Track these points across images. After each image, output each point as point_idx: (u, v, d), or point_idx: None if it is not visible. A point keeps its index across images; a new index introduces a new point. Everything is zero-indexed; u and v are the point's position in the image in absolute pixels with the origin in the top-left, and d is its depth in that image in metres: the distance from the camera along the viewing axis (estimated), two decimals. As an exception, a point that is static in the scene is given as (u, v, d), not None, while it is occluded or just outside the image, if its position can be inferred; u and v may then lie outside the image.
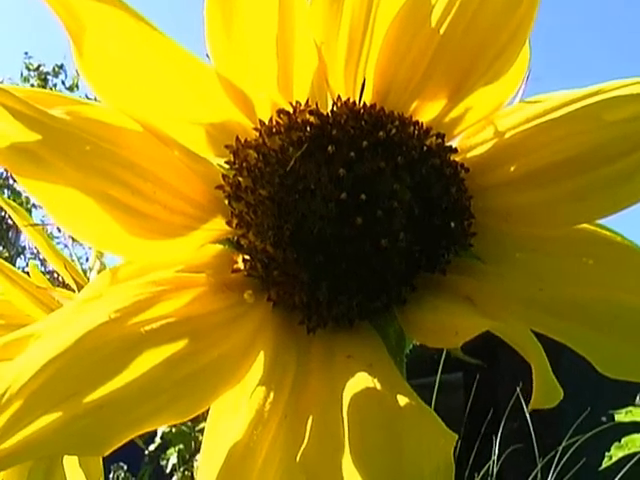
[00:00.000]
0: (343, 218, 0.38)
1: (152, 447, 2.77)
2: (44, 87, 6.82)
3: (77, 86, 6.99)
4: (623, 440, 2.31)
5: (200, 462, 0.34)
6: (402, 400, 0.34)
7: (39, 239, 0.56)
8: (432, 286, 0.41)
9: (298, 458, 0.32)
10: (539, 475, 2.41)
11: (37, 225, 0.57)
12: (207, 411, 0.36)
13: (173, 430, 2.51)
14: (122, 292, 0.35)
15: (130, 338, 0.33)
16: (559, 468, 2.48)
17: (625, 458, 2.31)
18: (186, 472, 2.89)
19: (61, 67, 7.38)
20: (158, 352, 0.33)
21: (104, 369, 0.31)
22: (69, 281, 0.58)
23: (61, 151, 0.33)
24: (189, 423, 2.47)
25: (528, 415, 2.49)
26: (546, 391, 0.31)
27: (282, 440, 0.34)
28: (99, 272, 0.58)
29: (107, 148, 0.35)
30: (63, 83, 7.33)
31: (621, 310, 0.39)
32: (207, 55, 0.42)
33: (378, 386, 0.34)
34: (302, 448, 0.33)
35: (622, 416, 2.35)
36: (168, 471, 2.68)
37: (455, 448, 0.31)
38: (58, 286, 0.58)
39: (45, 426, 0.29)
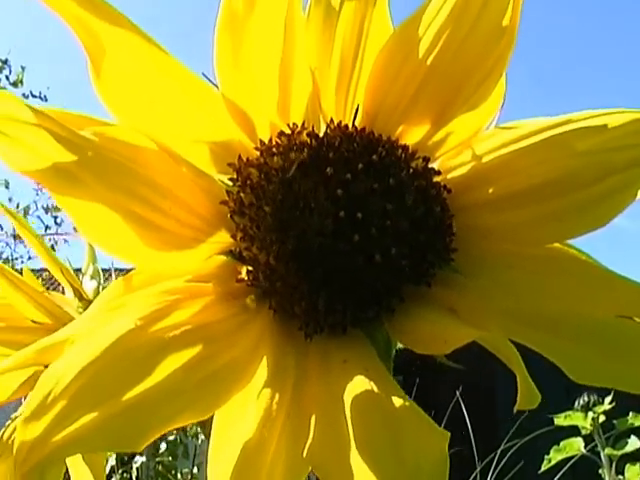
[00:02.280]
0: (340, 234, 0.42)
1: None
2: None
3: (22, 82, 6.90)
4: (562, 443, 2.38)
5: (211, 457, 0.37)
6: (397, 402, 0.37)
7: (37, 245, 0.59)
8: (418, 297, 0.44)
9: (305, 453, 0.36)
10: (478, 478, 2.46)
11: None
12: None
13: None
14: (142, 301, 0.38)
15: (154, 344, 0.36)
16: (497, 471, 2.54)
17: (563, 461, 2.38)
18: (125, 474, 2.89)
19: (5, 62, 7.28)
20: (178, 357, 0.36)
21: (134, 372, 0.34)
22: (65, 285, 0.60)
23: (94, 171, 0.36)
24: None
25: (467, 419, 2.56)
26: (528, 395, 0.35)
27: (286, 437, 0.37)
28: (91, 276, 0.61)
29: (131, 167, 0.38)
30: (7, 78, 7.23)
31: (588, 322, 0.43)
32: (203, 73, 0.46)
33: (375, 389, 0.38)
34: (308, 444, 0.36)
35: (561, 420, 2.42)
36: (107, 473, 2.68)
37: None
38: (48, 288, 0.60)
39: (86, 424, 0.32)
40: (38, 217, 6.67)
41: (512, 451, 2.64)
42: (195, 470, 3.09)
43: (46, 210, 6.66)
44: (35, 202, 6.68)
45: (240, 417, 0.38)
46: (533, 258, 0.45)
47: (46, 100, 6.80)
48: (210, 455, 0.38)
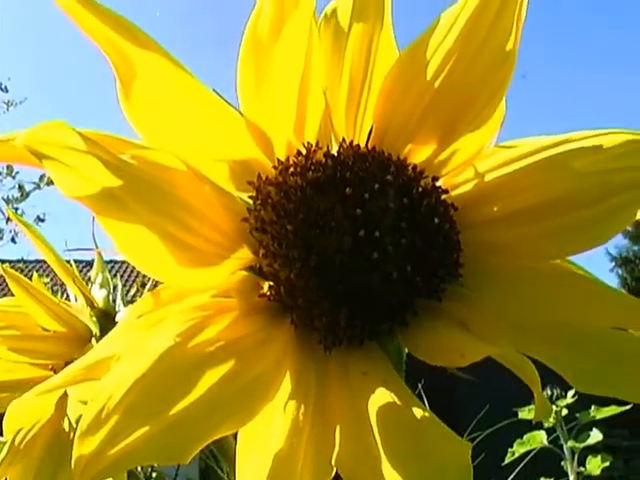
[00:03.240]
0: (360, 252, 0.44)
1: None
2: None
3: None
4: (525, 436, 2.42)
5: (240, 468, 0.39)
6: (418, 412, 0.40)
7: (49, 254, 0.60)
8: (429, 312, 0.47)
9: (333, 461, 0.38)
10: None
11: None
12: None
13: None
14: (177, 317, 0.40)
15: (193, 360, 0.38)
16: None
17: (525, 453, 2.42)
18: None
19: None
20: (215, 372, 0.38)
21: (179, 388, 0.36)
22: (76, 293, 0.62)
23: (136, 195, 0.38)
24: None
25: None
26: (543, 408, 0.38)
27: (313, 446, 0.40)
28: (101, 285, 0.62)
29: (167, 189, 0.40)
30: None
31: (587, 334, 0.46)
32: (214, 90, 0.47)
33: (396, 400, 0.40)
34: (336, 453, 0.38)
35: (525, 413, 2.45)
36: None
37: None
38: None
39: (138, 438, 0.34)
40: (-2, 208, 6.58)
41: (474, 444, 2.67)
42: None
43: (6, 201, 6.57)
44: (-5, 193, 6.58)
45: (266, 429, 0.40)
46: (535, 273, 0.48)
47: (7, 91, 6.72)
48: (239, 466, 0.40)
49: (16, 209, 6.54)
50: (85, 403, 0.48)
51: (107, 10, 0.42)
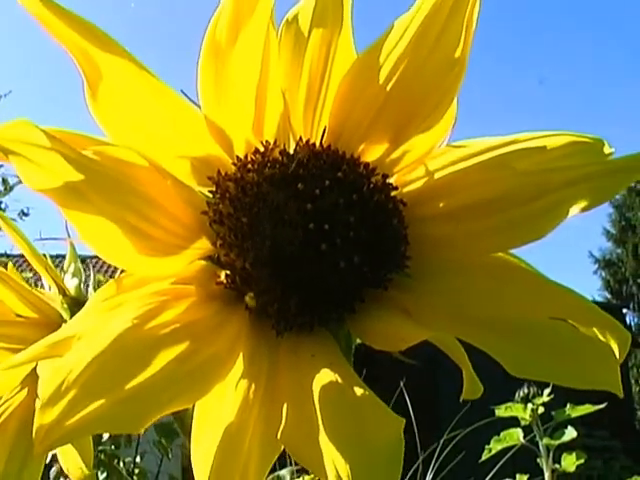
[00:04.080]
0: (310, 243, 0.47)
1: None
2: None
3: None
4: (502, 434, 2.45)
5: (194, 439, 0.43)
6: (359, 391, 0.43)
7: (23, 244, 0.63)
8: (376, 300, 0.50)
9: (279, 435, 0.41)
10: (420, 468, 2.53)
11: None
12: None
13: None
14: (136, 301, 0.43)
15: (149, 340, 0.41)
16: (439, 461, 2.60)
17: (503, 451, 2.46)
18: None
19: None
20: (170, 351, 0.41)
21: (134, 365, 0.40)
22: (49, 282, 0.65)
23: (98, 188, 0.41)
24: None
25: (412, 410, 2.62)
26: (472, 387, 0.41)
27: (261, 421, 0.43)
28: (73, 274, 0.65)
29: (127, 183, 0.43)
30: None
31: (524, 323, 0.49)
32: (182, 91, 0.50)
33: (340, 380, 0.44)
34: (281, 428, 0.42)
35: (502, 411, 2.49)
36: (48, 461, 2.69)
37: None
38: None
39: (95, 410, 0.37)
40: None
41: (454, 442, 2.71)
42: (138, 459, 3.08)
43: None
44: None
45: (218, 405, 0.44)
46: (478, 266, 0.51)
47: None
48: (193, 437, 0.43)
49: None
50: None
51: (72, 14, 0.45)
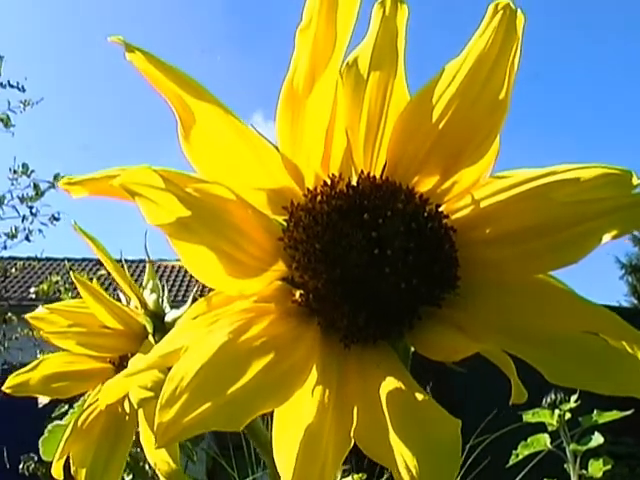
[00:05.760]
0: (374, 267, 0.54)
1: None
2: None
3: (-1, 72, 6.79)
4: (529, 439, 2.49)
5: (276, 438, 0.49)
6: (420, 396, 0.50)
7: (108, 262, 0.70)
8: (431, 316, 0.57)
9: (352, 434, 0.48)
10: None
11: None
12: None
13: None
14: (228, 317, 0.51)
15: (243, 352, 0.48)
16: (467, 466, 2.64)
17: (528, 457, 2.50)
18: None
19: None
20: (260, 362, 0.48)
21: (233, 373, 0.47)
22: (131, 297, 0.72)
23: (202, 221, 0.49)
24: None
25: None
26: (519, 393, 0.47)
27: (335, 423, 0.50)
28: (151, 290, 0.73)
29: (222, 215, 0.51)
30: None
31: (561, 337, 0.55)
32: (252, 125, 0.57)
33: (403, 387, 0.50)
34: (353, 428, 0.48)
35: (529, 417, 2.53)
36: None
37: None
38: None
39: (203, 410, 0.45)
40: (13, 207, 6.65)
41: (481, 447, 2.74)
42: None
43: (21, 200, 6.63)
44: (10, 192, 6.64)
45: (296, 410, 0.51)
46: (520, 285, 0.58)
47: (24, 90, 6.77)
48: (275, 438, 0.50)
49: (31, 207, 6.61)
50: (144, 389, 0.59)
51: (171, 67, 0.53)
